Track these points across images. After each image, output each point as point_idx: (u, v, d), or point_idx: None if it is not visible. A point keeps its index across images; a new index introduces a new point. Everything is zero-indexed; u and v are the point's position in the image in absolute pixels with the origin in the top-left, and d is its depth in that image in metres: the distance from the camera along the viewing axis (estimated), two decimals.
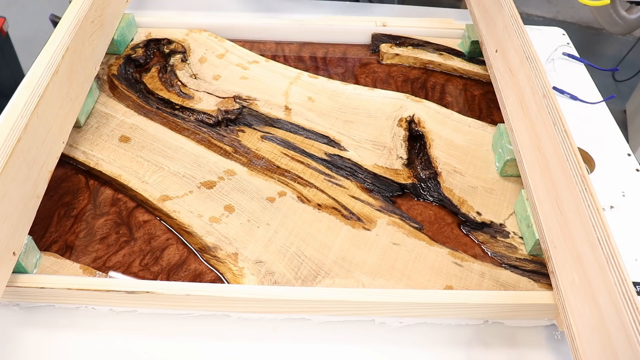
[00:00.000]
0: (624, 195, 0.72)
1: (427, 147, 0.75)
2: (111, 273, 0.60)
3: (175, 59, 0.87)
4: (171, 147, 0.73)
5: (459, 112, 0.81)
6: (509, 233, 0.65)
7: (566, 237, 0.53)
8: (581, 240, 0.49)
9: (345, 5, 1.03)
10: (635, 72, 2.08)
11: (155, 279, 0.59)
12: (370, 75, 0.88)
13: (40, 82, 0.60)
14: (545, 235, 0.58)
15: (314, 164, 0.72)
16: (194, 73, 0.85)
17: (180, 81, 0.83)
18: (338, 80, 0.86)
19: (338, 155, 0.73)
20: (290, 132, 0.76)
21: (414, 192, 0.70)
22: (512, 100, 0.71)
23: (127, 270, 0.60)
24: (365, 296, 0.56)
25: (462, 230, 0.65)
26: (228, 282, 0.59)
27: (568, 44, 0.98)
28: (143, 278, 0.59)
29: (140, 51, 0.87)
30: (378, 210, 0.67)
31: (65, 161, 0.71)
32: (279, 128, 0.77)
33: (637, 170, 0.75)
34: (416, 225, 0.66)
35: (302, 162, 0.72)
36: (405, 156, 0.74)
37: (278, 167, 0.71)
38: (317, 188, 0.69)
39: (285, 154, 0.73)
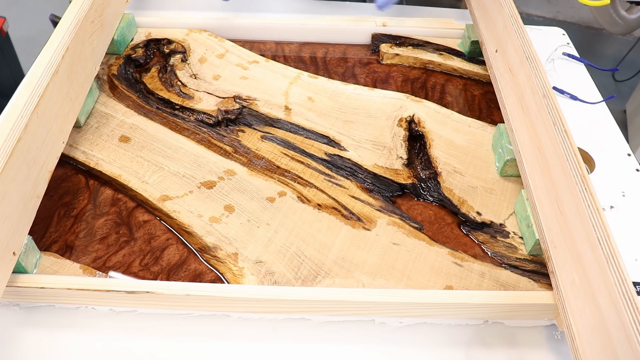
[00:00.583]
0: (624, 195, 0.72)
1: (427, 147, 0.75)
2: (111, 273, 0.60)
3: (175, 59, 0.87)
4: (171, 147, 0.73)
5: (459, 112, 0.81)
6: (509, 233, 0.65)
7: (566, 237, 0.53)
8: (581, 240, 0.49)
9: (345, 5, 1.03)
10: (635, 72, 2.08)
11: (155, 279, 0.59)
12: (370, 75, 0.88)
13: (40, 82, 0.60)
14: (545, 235, 0.58)
15: (314, 164, 0.72)
16: (194, 73, 0.85)
17: (180, 81, 0.83)
18: (338, 80, 0.86)
19: (338, 155, 0.73)
20: (290, 132, 0.76)
21: (414, 192, 0.70)
22: (512, 100, 0.71)
23: (127, 270, 0.60)
24: (365, 296, 0.56)
25: (462, 230, 0.65)
26: (228, 282, 0.59)
27: (568, 44, 0.98)
28: (143, 278, 0.59)
29: (140, 51, 0.87)
30: (378, 210, 0.67)
31: (65, 161, 0.71)
32: (279, 128, 0.77)
33: (637, 170, 0.75)
34: (416, 225, 0.66)
35: (302, 162, 0.72)
36: (405, 156, 0.74)
37: (278, 167, 0.71)
38: (317, 188, 0.69)
39: (285, 154, 0.73)
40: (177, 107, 0.79)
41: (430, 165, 0.73)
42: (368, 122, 0.78)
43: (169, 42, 0.90)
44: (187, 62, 0.87)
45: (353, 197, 0.68)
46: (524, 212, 0.63)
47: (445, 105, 0.82)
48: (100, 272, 0.60)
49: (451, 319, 0.58)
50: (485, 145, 0.76)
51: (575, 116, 0.83)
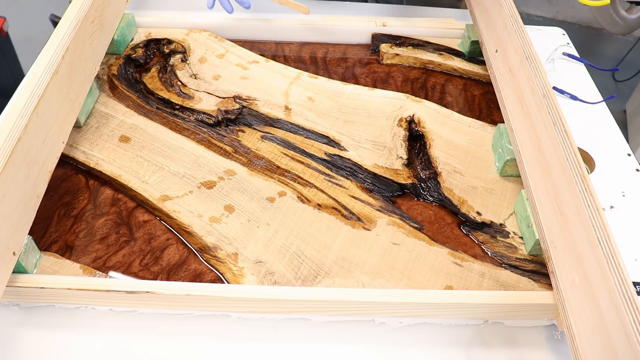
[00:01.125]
0: (624, 195, 0.72)
1: (427, 147, 0.75)
2: (111, 273, 0.60)
3: (175, 59, 0.87)
4: (171, 147, 0.73)
5: (459, 112, 0.81)
6: (509, 233, 0.65)
7: (566, 237, 0.53)
8: (581, 240, 0.49)
9: (345, 5, 1.03)
10: (635, 72, 2.08)
11: (155, 279, 0.59)
12: (370, 75, 0.88)
13: (40, 82, 0.60)
14: (545, 235, 0.58)
15: (314, 164, 0.72)
16: (194, 73, 0.85)
17: (180, 81, 0.83)
18: (338, 80, 0.86)
19: (338, 155, 0.73)
20: (290, 132, 0.76)
21: (414, 192, 0.70)
22: (512, 100, 0.71)
23: (127, 270, 0.60)
24: (365, 296, 0.56)
25: (462, 230, 0.65)
26: (228, 282, 0.59)
27: (568, 44, 0.98)
28: (143, 278, 0.59)
29: (140, 51, 0.87)
30: (378, 210, 0.67)
31: (65, 161, 0.71)
32: (279, 128, 0.77)
33: (637, 170, 0.75)
34: (416, 225, 0.66)
35: (302, 162, 0.72)
36: (405, 156, 0.74)
37: (278, 167, 0.71)
38: (317, 188, 0.69)
39: (285, 154, 0.73)
40: (177, 107, 0.79)
41: (430, 165, 0.73)
42: (368, 122, 0.78)
43: (169, 42, 0.90)
44: (187, 62, 0.87)
45: (353, 197, 0.68)
46: (524, 212, 0.63)
47: (445, 105, 0.82)
48: (100, 272, 0.60)
49: (451, 319, 0.58)
50: (485, 145, 0.76)
51: (575, 116, 0.83)
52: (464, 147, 0.75)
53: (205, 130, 0.76)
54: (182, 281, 0.59)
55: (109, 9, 0.81)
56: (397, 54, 0.90)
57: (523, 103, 0.67)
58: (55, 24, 1.14)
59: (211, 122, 0.77)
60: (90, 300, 0.57)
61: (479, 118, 0.80)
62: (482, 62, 0.89)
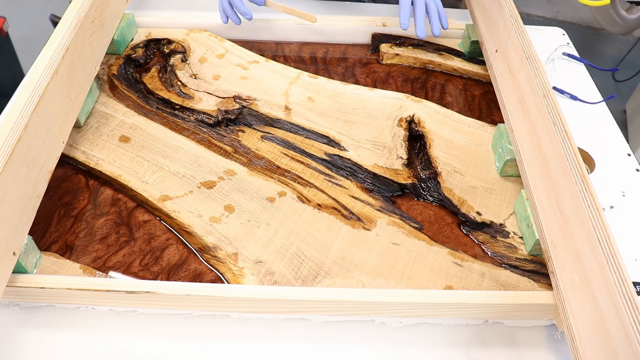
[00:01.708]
0: (624, 195, 0.72)
1: (427, 147, 0.75)
2: (111, 273, 0.60)
3: (175, 59, 0.87)
4: (171, 147, 0.73)
5: (459, 112, 0.81)
6: (509, 233, 0.65)
7: (566, 237, 0.53)
8: (581, 240, 0.49)
9: (345, 5, 1.03)
10: (635, 72, 2.08)
11: (155, 279, 0.59)
12: (370, 75, 0.88)
13: (40, 82, 0.60)
14: (545, 235, 0.58)
15: (314, 164, 0.72)
16: (194, 73, 0.85)
17: (180, 81, 0.83)
18: (338, 80, 0.86)
19: (338, 155, 0.73)
20: (290, 132, 0.76)
21: (414, 192, 0.70)
22: (512, 100, 0.71)
23: (127, 270, 0.60)
24: (365, 296, 0.56)
25: (462, 230, 0.65)
26: (228, 282, 0.59)
27: (568, 44, 0.98)
28: (143, 278, 0.59)
29: (140, 51, 0.87)
30: (378, 210, 0.67)
31: (65, 161, 0.71)
32: (279, 128, 0.77)
33: (637, 170, 0.75)
34: (416, 225, 0.66)
35: (302, 162, 0.72)
36: (405, 156, 0.74)
37: (278, 167, 0.71)
38: (317, 188, 0.69)
39: (285, 154, 0.73)
40: (177, 107, 0.79)
41: (430, 165, 0.73)
42: (368, 122, 0.78)
43: (169, 42, 0.90)
44: (187, 62, 0.87)
45: (353, 197, 0.68)
46: (524, 212, 0.63)
47: (445, 105, 0.82)
48: (100, 272, 0.60)
49: (451, 319, 0.58)
50: (485, 145, 0.76)
51: (575, 116, 0.83)
52: (464, 147, 0.75)
53: (205, 130, 0.76)
54: (182, 281, 0.59)
55: (109, 9, 0.81)
56: (397, 54, 0.90)
57: (523, 103, 0.67)
58: (55, 24, 1.15)
59: (211, 122, 0.77)
60: (90, 300, 0.57)
61: (479, 118, 0.80)
62: (482, 62, 0.89)
